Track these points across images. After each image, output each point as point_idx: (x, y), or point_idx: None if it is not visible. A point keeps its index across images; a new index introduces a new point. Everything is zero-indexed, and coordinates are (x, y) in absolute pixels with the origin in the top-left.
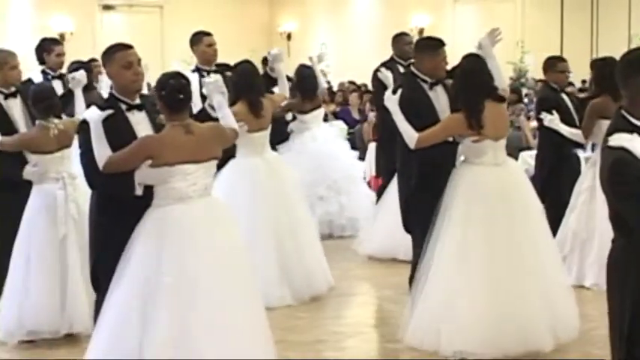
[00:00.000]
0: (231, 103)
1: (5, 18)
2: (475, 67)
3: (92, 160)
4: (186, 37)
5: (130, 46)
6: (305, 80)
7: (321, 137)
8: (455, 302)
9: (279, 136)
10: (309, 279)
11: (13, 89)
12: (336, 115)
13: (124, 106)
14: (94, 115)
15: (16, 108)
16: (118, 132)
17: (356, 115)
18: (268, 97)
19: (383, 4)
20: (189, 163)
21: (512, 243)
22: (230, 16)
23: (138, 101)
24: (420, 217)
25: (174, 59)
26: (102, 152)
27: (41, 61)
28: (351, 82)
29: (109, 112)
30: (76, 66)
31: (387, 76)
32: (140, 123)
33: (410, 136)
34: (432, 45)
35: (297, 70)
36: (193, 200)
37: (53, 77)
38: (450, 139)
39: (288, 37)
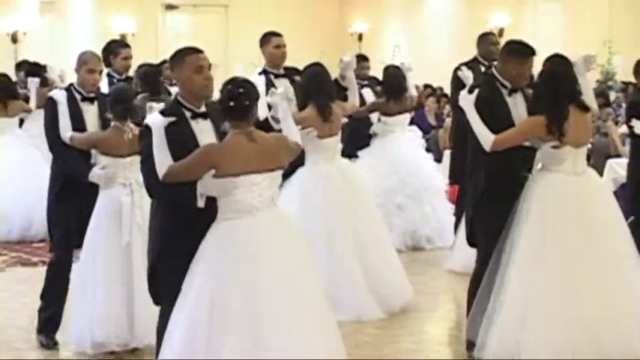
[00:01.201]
0: (300, 108)
1: (66, 20)
2: (562, 69)
3: (153, 168)
4: (252, 37)
5: (200, 51)
6: (392, 80)
7: (405, 143)
8: (531, 317)
9: (361, 141)
10: (387, 292)
11: (91, 95)
12: (411, 121)
13: (188, 114)
14: (157, 121)
15: (90, 113)
16: (180, 140)
17: (432, 121)
18: (338, 103)
19: (461, 2)
20: (255, 173)
21: (589, 257)
22: (298, 17)
23: (203, 109)
24: (487, 228)
25: (239, 61)
26: (162, 161)
27: (107, 64)
28: (427, 86)
29: (172, 119)
30: (145, 69)
31: (467, 75)
32: (204, 132)
33: (485, 137)
34: (522, 51)
35: (385, 70)
36: (260, 212)
37: (119, 80)
38: (527, 143)
39: (360, 38)
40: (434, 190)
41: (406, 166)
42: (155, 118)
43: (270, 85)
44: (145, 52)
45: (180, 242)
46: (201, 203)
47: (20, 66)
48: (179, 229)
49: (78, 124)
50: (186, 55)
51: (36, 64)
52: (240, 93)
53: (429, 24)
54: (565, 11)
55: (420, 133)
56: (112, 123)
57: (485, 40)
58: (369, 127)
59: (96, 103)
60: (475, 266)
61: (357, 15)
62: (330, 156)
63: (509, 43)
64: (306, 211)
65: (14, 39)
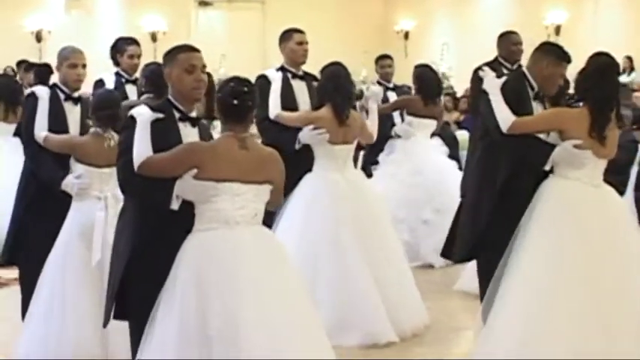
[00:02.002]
0: (316, 108)
1: (93, 18)
2: (612, 66)
3: (130, 160)
4: None
5: (196, 49)
6: (429, 81)
7: (428, 149)
8: (539, 337)
9: (380, 144)
10: (399, 315)
11: (76, 95)
12: (460, 125)
13: (177, 114)
14: (144, 113)
15: (73, 115)
16: (165, 140)
17: None
18: (359, 116)
19: None
20: (240, 182)
21: (605, 276)
22: (340, 14)
23: (194, 114)
24: (500, 235)
25: (277, 61)
26: (142, 150)
27: (116, 63)
28: None
29: (160, 115)
30: (152, 67)
31: (489, 74)
32: (190, 137)
33: (506, 117)
34: (560, 53)
35: (417, 68)
36: (239, 226)
37: (127, 81)
38: (543, 136)
39: (406, 36)
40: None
41: (432, 175)
42: (142, 110)
43: (287, 84)
44: None
45: (151, 251)
46: (175, 205)
47: (29, 67)
48: (150, 235)
49: (60, 124)
50: (179, 52)
51: (45, 65)
52: (244, 92)
53: (480, 21)
54: (628, 8)
55: (441, 142)
56: (92, 129)
57: (507, 39)
58: (391, 127)
59: (79, 105)
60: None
61: (402, 11)
62: (339, 165)
63: (546, 43)
64: (310, 219)
65: (38, 38)
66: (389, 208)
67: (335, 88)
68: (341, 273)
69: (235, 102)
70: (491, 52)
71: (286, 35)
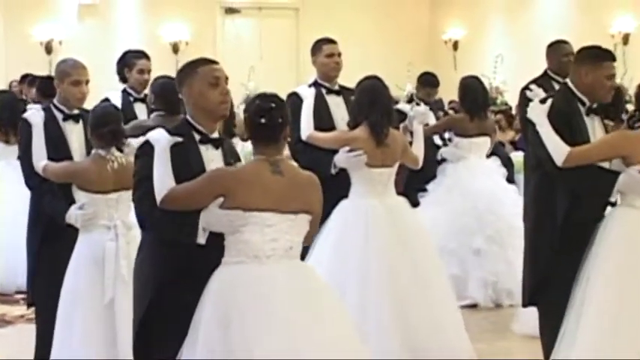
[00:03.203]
0: (351, 127)
1: (109, 27)
2: None
3: (149, 192)
4: None
5: (216, 62)
6: (474, 93)
7: (481, 171)
8: None
9: (429, 170)
10: (443, 355)
11: (75, 111)
12: (515, 145)
13: (197, 136)
14: (162, 138)
15: (76, 134)
16: (186, 166)
17: None
18: (400, 135)
19: (576, 5)
20: (271, 212)
21: None
22: (381, 21)
23: (216, 135)
24: (562, 275)
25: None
26: (164, 182)
27: (123, 79)
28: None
29: (179, 139)
30: (162, 82)
31: (538, 94)
32: (214, 162)
33: (560, 149)
34: (593, 54)
35: (463, 81)
36: (270, 261)
37: (135, 99)
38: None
39: (454, 46)
40: (519, 231)
41: (485, 200)
42: (160, 135)
43: (321, 101)
44: None
45: (176, 289)
46: (202, 239)
47: (32, 81)
48: (175, 272)
49: (61, 149)
50: (199, 65)
51: (49, 78)
52: (271, 107)
53: (538, 30)
54: None
55: (499, 162)
56: (93, 151)
57: (557, 50)
58: (435, 151)
59: (81, 122)
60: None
61: (451, 19)
62: (379, 191)
63: (581, 49)
64: (339, 253)
65: (48, 49)
66: (437, 238)
67: (371, 105)
68: (359, 312)
69: (263, 120)
70: None
71: (316, 47)
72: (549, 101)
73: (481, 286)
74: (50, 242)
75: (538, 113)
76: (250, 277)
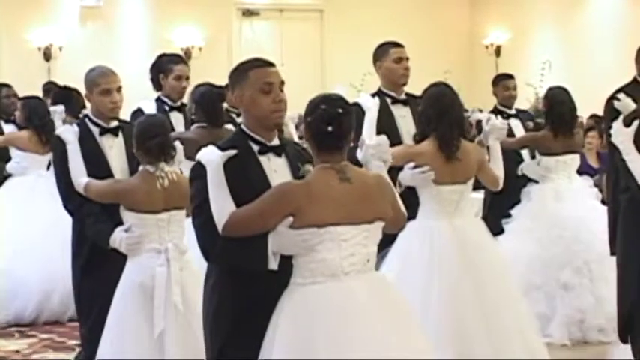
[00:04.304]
0: (418, 140)
1: (114, 31)
2: None
3: (209, 219)
4: (355, 51)
5: (270, 63)
6: (560, 106)
7: (570, 195)
8: None
9: (513, 194)
10: None
11: (114, 124)
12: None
13: (255, 147)
14: (213, 157)
15: (116, 150)
16: (246, 183)
17: (593, 163)
18: (476, 148)
19: (634, 3)
20: (346, 225)
21: None
22: (414, 25)
23: (276, 141)
24: None
25: (338, 83)
26: (223, 207)
27: (158, 87)
28: (592, 116)
29: (233, 152)
30: (202, 90)
31: (627, 104)
32: (277, 172)
33: None
34: None
35: (549, 91)
36: (349, 277)
37: (172, 108)
38: None
39: (497, 52)
40: (610, 262)
41: (572, 227)
42: (210, 154)
43: (386, 112)
44: (215, 71)
45: (251, 320)
46: (273, 265)
47: (48, 89)
48: (248, 303)
49: (100, 167)
50: (250, 69)
51: (67, 88)
52: (339, 114)
53: (592, 33)
54: None
55: (590, 181)
56: (140, 167)
57: None
58: (517, 166)
59: (121, 134)
60: None
61: (493, 22)
62: (449, 211)
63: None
64: (403, 281)
65: (47, 55)
66: (521, 271)
67: (439, 115)
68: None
69: (330, 129)
70: (605, 72)
71: (382, 50)
72: (635, 124)
73: (564, 323)
74: (94, 269)
75: (622, 140)
76: (329, 297)
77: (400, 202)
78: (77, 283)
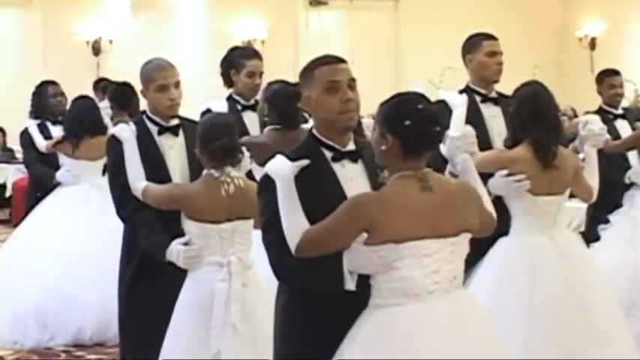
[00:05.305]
0: (510, 146)
1: (168, 23)
2: None
3: (280, 239)
4: (432, 43)
5: (340, 59)
6: None
7: None
8: None
9: (614, 198)
10: None
11: (174, 122)
12: None
13: (328, 154)
14: (282, 170)
15: (176, 150)
16: (319, 195)
17: None
18: (571, 155)
19: None
20: (429, 239)
21: None
22: (499, 15)
23: (351, 145)
24: None
25: (416, 78)
26: (294, 225)
27: (229, 83)
28: None
29: (304, 162)
30: (276, 88)
31: None
32: (354, 179)
33: None
34: None
35: None
36: (433, 297)
37: (244, 107)
38: None
39: (592, 44)
40: None
41: None
42: (279, 165)
43: (474, 110)
44: (280, 66)
45: (327, 341)
46: (351, 285)
47: (100, 85)
48: (320, 326)
49: (157, 169)
50: (316, 66)
51: (125, 85)
52: (438, 111)
53: None
54: None
55: None
56: (204, 171)
57: None
58: (624, 172)
59: (182, 134)
60: None
61: (587, 12)
62: (547, 225)
63: None
64: (498, 304)
65: (96, 49)
66: (621, 285)
67: (534, 118)
68: None
69: (438, 128)
70: None
71: (473, 42)
72: None
73: None
74: (142, 282)
75: None
76: (411, 321)
77: (489, 203)
78: (122, 298)
